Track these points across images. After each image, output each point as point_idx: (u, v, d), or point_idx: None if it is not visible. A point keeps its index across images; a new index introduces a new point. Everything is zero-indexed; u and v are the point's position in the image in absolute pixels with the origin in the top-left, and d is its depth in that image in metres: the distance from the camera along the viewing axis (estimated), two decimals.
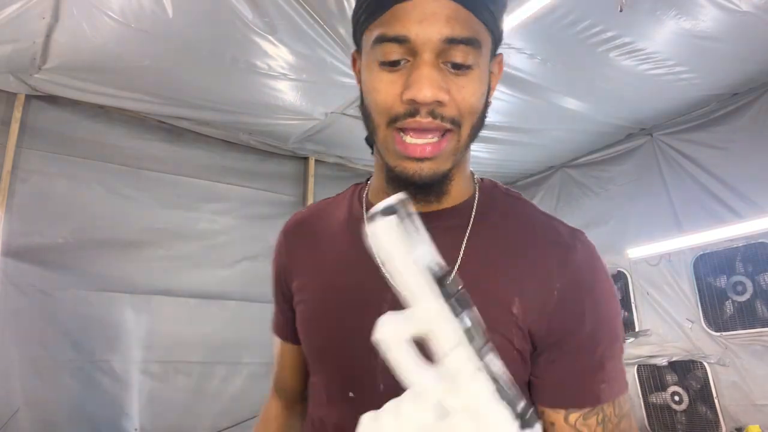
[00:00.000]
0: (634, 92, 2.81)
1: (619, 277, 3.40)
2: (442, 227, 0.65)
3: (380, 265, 0.55)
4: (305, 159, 3.55)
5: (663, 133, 3.29)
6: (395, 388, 0.62)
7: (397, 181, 0.63)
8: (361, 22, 0.63)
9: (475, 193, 0.71)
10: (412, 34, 0.57)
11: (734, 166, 2.93)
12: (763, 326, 2.73)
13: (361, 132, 0.71)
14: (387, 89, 0.59)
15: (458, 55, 0.58)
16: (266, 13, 2.09)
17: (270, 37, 2.24)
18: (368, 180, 0.77)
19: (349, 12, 2.01)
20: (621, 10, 2.00)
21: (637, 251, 3.23)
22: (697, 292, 3.01)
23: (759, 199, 2.78)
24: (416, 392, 0.39)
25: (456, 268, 0.64)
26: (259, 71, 2.47)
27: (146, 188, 2.91)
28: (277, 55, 2.37)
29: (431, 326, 0.39)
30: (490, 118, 3.39)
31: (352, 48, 0.73)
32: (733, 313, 2.86)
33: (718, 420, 2.81)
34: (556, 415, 0.63)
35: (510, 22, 2.08)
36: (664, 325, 3.13)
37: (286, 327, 0.81)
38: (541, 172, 4.02)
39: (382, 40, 0.59)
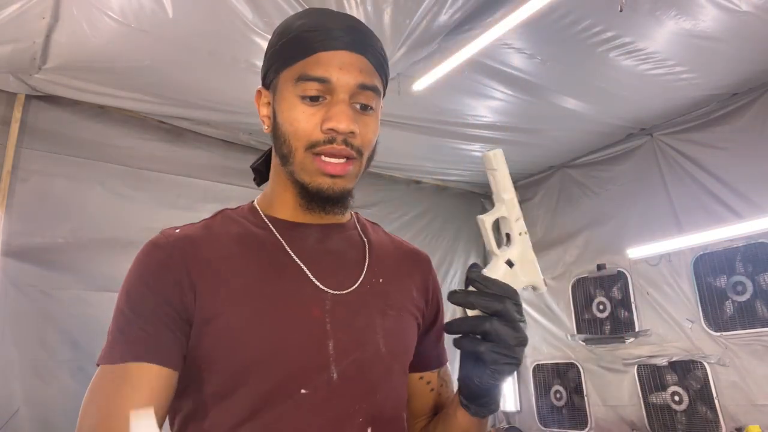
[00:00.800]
0: (634, 92, 2.82)
1: (619, 277, 3.40)
2: (347, 235, 0.84)
3: (490, 170, 0.70)
4: None
5: (663, 133, 3.29)
6: (347, 374, 0.71)
7: (311, 196, 0.74)
8: (281, 62, 0.76)
9: (352, 215, 0.89)
10: (334, 77, 0.71)
11: (734, 166, 2.93)
12: (763, 326, 2.73)
13: None
14: (307, 119, 0.72)
15: (365, 99, 0.73)
16: (266, 13, 2.09)
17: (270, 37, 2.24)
18: (254, 202, 0.87)
19: (349, 12, 2.01)
20: (621, 10, 2.00)
21: (637, 251, 3.23)
22: (697, 292, 3.01)
23: (759, 199, 2.78)
24: (496, 255, 0.68)
25: (366, 266, 0.80)
26: (259, 71, 2.47)
27: (146, 188, 2.90)
28: None
29: (516, 212, 0.69)
30: (491, 118, 3.38)
31: None
32: (733, 313, 2.86)
33: (718, 420, 2.81)
34: (432, 375, 0.89)
35: (510, 22, 2.08)
36: (664, 325, 3.13)
37: (171, 348, 0.70)
38: (541, 172, 4.02)
39: (305, 78, 0.72)
